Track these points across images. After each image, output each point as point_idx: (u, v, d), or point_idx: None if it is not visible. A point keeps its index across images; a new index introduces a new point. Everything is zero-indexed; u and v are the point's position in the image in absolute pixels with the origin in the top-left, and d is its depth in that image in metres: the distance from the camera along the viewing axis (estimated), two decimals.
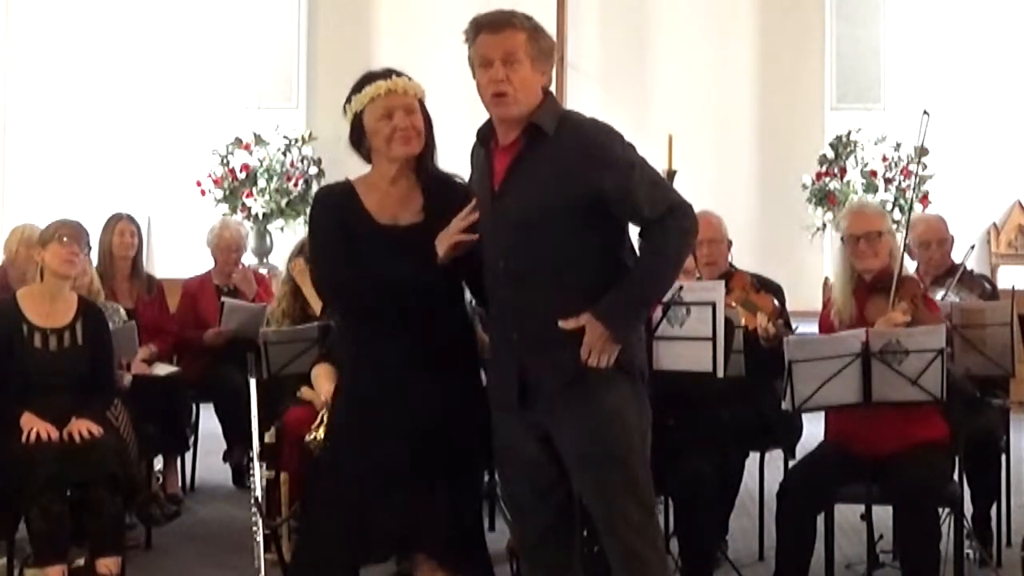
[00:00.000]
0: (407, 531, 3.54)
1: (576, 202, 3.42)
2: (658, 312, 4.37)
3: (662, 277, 3.54)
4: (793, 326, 5.25)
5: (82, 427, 4.90)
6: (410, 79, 3.63)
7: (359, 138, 3.61)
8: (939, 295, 5.43)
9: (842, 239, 4.91)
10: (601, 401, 3.47)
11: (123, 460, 5.03)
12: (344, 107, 3.65)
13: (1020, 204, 11.07)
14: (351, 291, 3.57)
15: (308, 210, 3.68)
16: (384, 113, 3.54)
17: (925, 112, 5.06)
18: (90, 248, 5.40)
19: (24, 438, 4.82)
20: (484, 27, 3.49)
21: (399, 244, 3.52)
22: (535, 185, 3.45)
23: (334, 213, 3.60)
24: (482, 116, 3.62)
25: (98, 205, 8.94)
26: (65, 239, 5.12)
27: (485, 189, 3.55)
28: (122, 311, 5.87)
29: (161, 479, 6.29)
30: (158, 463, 6.29)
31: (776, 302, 5.10)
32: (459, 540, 3.56)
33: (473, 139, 3.68)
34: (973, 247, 5.80)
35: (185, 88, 11.10)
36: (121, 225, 6.64)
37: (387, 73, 3.59)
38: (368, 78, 3.59)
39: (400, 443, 3.51)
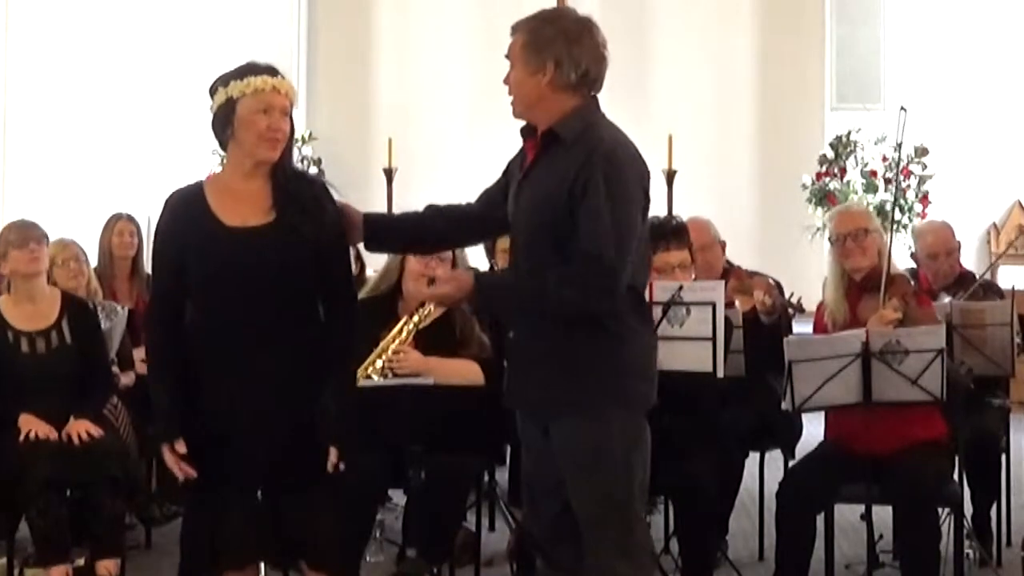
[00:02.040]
0: (275, 538, 3.53)
1: (562, 213, 3.37)
2: (658, 312, 4.38)
3: (542, 304, 3.40)
4: (797, 299, 5.25)
5: (81, 428, 4.88)
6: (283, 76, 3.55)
7: (224, 124, 3.50)
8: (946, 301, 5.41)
9: (830, 241, 4.92)
10: (587, 418, 3.43)
11: (123, 461, 5.02)
12: (215, 87, 3.51)
13: (1020, 204, 11.07)
14: (197, 294, 3.51)
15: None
16: (263, 108, 3.45)
17: (903, 108, 5.08)
18: (47, 237, 5.31)
19: (23, 438, 4.82)
20: (510, 30, 3.56)
21: (248, 244, 3.45)
22: (540, 188, 3.45)
23: (177, 219, 3.54)
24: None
25: (98, 205, 8.94)
26: (19, 245, 5.04)
27: (515, 183, 3.56)
28: (119, 309, 5.85)
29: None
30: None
31: (771, 280, 5.12)
32: (328, 543, 3.56)
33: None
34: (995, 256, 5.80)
35: (185, 88, 11.09)
36: (121, 225, 6.63)
37: (272, 70, 3.51)
38: (252, 69, 3.49)
39: (253, 455, 3.46)
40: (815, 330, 4.96)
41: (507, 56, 3.54)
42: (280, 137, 3.48)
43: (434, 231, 3.74)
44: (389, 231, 3.74)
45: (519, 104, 3.52)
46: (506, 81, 3.54)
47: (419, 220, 3.73)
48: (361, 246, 3.81)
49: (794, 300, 5.26)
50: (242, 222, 3.48)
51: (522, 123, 3.61)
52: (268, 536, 3.53)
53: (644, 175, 3.47)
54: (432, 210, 3.74)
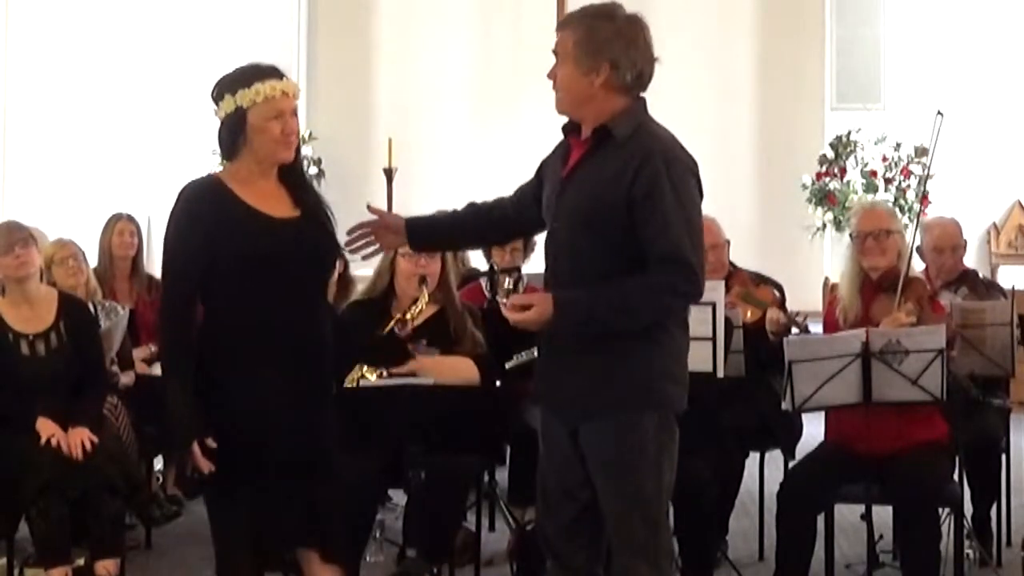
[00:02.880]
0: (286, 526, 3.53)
1: (616, 211, 3.35)
2: None
3: (627, 316, 3.37)
4: (802, 318, 5.24)
5: (80, 438, 4.84)
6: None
7: (235, 132, 3.48)
8: (946, 300, 5.40)
9: (851, 236, 4.92)
10: (621, 419, 3.43)
11: (122, 463, 5.02)
12: (220, 94, 3.49)
13: (1020, 204, 11.07)
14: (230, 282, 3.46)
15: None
16: (275, 114, 3.45)
17: (939, 113, 5.06)
18: (34, 237, 5.26)
19: (43, 442, 4.80)
20: (557, 25, 3.52)
21: (289, 232, 3.46)
22: (591, 185, 3.40)
23: (199, 208, 3.48)
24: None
25: (98, 205, 8.94)
26: (3, 251, 5.01)
27: (556, 179, 3.52)
28: (120, 309, 5.85)
29: (161, 479, 6.29)
30: (158, 463, 6.28)
31: (776, 293, 5.09)
32: (330, 530, 3.56)
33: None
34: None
35: (185, 88, 11.09)
36: (121, 225, 6.64)
37: (277, 72, 3.50)
38: (257, 73, 3.48)
39: (269, 442, 3.45)
40: (826, 325, 4.96)
41: (554, 51, 3.48)
42: (294, 139, 3.51)
43: (471, 231, 3.80)
44: (430, 232, 3.77)
45: (567, 102, 3.48)
46: (551, 76, 3.48)
47: (457, 220, 3.76)
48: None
49: (799, 319, 5.20)
50: (275, 212, 3.49)
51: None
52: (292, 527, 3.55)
53: (697, 173, 3.47)
54: (470, 209, 3.76)
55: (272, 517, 3.48)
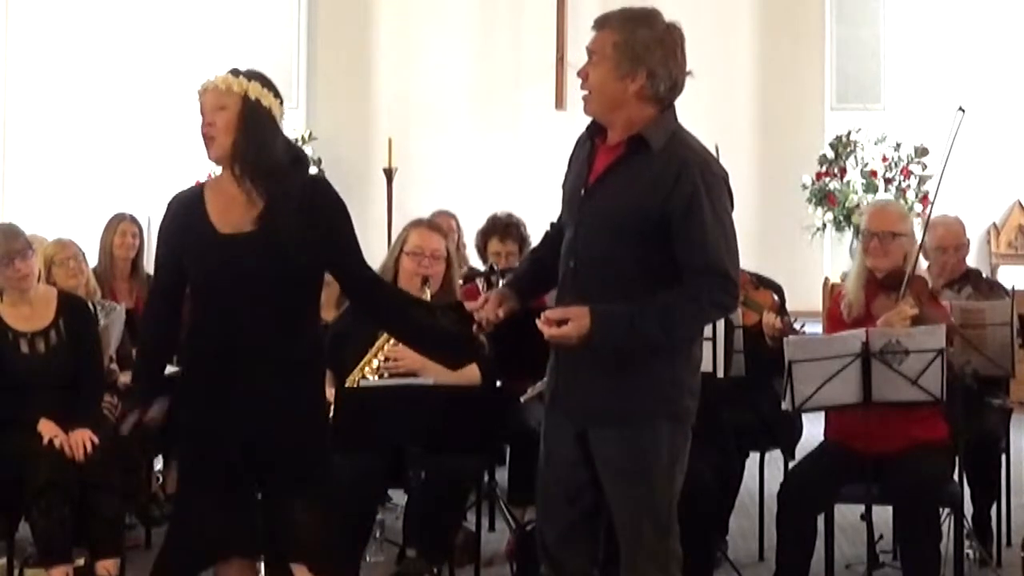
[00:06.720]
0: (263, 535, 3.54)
1: (649, 221, 3.33)
2: None
3: (675, 328, 3.36)
4: (799, 323, 5.24)
5: (82, 439, 4.86)
6: (238, 74, 3.46)
7: None
8: (948, 300, 5.40)
9: (860, 232, 4.93)
10: (637, 427, 3.42)
11: (122, 464, 5.02)
12: None
13: (1020, 204, 11.06)
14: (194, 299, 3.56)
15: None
16: (200, 109, 3.47)
17: (961, 109, 5.07)
18: (31, 245, 5.21)
19: (46, 443, 4.81)
20: (594, 24, 3.46)
21: (236, 253, 3.43)
22: (624, 193, 3.37)
23: (175, 223, 3.56)
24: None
25: (98, 205, 8.93)
26: (3, 263, 5.00)
27: (578, 183, 3.48)
28: (117, 307, 5.85)
29: (161, 479, 6.28)
30: (158, 463, 6.28)
31: (775, 297, 5.09)
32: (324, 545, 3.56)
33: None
34: None
35: (185, 88, 11.07)
36: (124, 226, 6.65)
37: (232, 73, 3.49)
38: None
39: (231, 453, 3.47)
40: (829, 316, 4.96)
41: (589, 48, 3.44)
42: (210, 132, 3.44)
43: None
44: (532, 290, 3.69)
45: (597, 105, 3.44)
46: (582, 75, 3.44)
47: (548, 269, 3.66)
48: None
49: (795, 325, 5.19)
50: (233, 228, 3.47)
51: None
52: (254, 534, 3.55)
53: (728, 183, 3.47)
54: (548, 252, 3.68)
55: (218, 523, 3.49)
